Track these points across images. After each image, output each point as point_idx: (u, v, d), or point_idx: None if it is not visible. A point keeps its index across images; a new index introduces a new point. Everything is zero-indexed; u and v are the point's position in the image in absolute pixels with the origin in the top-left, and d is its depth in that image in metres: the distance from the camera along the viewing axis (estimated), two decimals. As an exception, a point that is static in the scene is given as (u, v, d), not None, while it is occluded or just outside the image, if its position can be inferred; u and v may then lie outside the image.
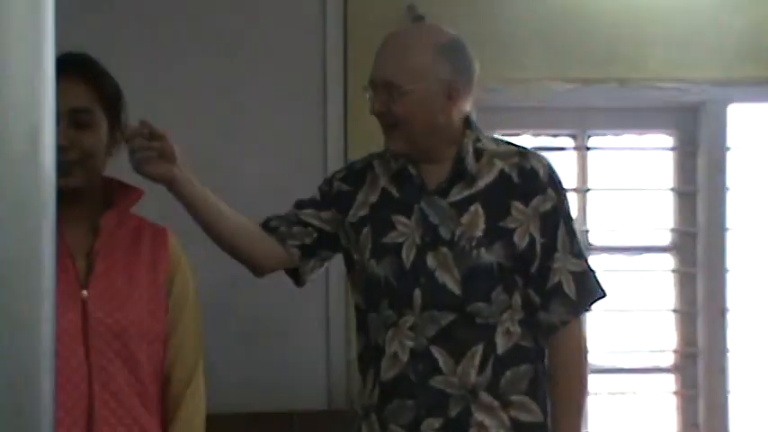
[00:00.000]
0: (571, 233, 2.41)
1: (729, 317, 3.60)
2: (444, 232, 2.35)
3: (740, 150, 3.63)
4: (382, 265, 2.37)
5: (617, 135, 3.65)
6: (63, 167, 1.47)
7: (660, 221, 3.66)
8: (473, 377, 2.32)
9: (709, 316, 3.59)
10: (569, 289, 2.38)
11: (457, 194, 2.38)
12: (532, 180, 2.40)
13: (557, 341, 2.40)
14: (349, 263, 2.48)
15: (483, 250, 2.34)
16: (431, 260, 2.35)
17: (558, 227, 2.39)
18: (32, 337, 1.01)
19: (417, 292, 2.34)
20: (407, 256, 2.36)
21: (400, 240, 2.37)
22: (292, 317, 3.36)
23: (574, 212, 2.54)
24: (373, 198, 2.43)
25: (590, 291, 2.42)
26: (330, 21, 3.39)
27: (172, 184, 2.24)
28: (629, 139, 3.67)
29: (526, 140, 3.46)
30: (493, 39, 3.38)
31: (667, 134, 3.66)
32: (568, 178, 3.30)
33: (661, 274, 3.66)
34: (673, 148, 3.65)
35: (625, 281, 3.58)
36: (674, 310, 3.64)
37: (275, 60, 3.39)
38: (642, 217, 3.65)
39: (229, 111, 3.37)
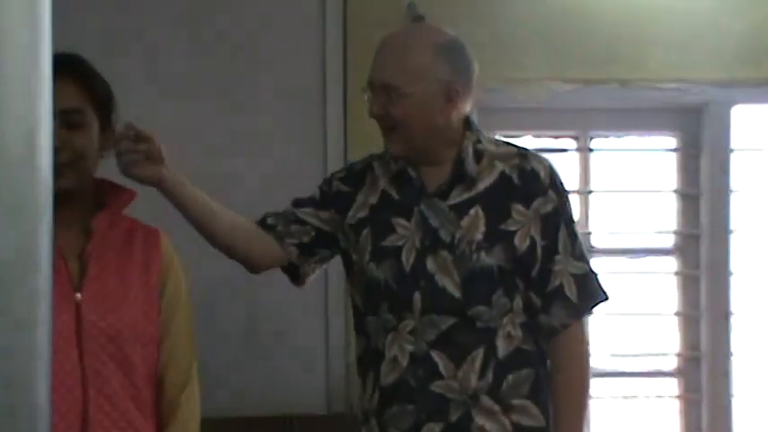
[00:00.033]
0: (572, 235, 2.39)
1: (733, 320, 3.58)
2: (444, 235, 2.34)
3: (744, 152, 3.61)
4: (382, 269, 2.35)
5: (619, 137, 3.64)
6: (54, 169, 1.44)
7: (663, 224, 3.64)
8: (474, 381, 2.31)
9: (712, 319, 3.58)
10: (570, 292, 2.36)
11: (457, 197, 2.36)
12: (533, 182, 2.38)
13: (558, 344, 2.38)
14: (348, 264, 2.46)
15: (483, 253, 2.32)
16: (431, 263, 2.33)
17: (560, 229, 2.37)
18: (29, 339, 1.02)
19: (417, 296, 2.32)
20: (407, 259, 2.34)
21: (400, 243, 2.35)
22: (290, 318, 3.34)
23: (576, 215, 2.52)
24: (373, 200, 2.41)
25: (592, 294, 2.40)
26: (330, 21, 3.39)
27: (160, 186, 2.23)
28: (632, 140, 3.65)
29: (527, 142, 3.44)
30: (493, 39, 3.37)
31: (670, 136, 3.65)
32: (570, 180, 3.29)
33: (664, 276, 3.64)
34: (676, 150, 3.64)
35: (628, 284, 3.57)
36: (678, 314, 3.63)
37: (275, 60, 3.38)
38: (645, 219, 3.64)
39: (229, 111, 3.36)
